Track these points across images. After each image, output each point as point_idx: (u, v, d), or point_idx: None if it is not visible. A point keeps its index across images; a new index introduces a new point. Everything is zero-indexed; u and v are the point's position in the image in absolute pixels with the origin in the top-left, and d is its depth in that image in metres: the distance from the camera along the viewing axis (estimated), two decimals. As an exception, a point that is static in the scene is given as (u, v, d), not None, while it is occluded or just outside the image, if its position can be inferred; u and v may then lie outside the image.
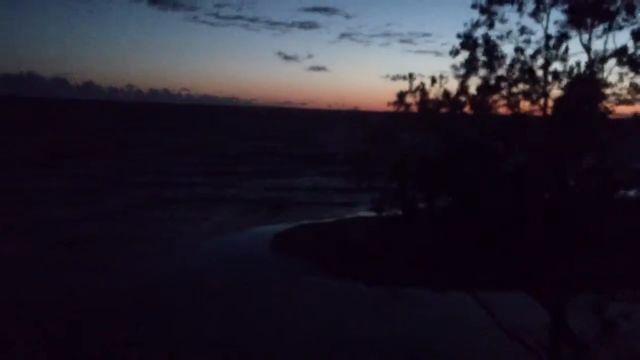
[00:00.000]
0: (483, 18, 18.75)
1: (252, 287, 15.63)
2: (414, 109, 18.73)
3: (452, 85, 18.41)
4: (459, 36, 18.85)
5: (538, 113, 18.49)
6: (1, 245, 19.33)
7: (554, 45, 16.69)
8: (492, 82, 17.56)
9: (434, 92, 18.40)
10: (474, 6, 17.96)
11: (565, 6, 17.24)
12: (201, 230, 22.32)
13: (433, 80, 18.30)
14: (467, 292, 15.36)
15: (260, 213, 25.84)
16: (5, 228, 21.37)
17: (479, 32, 18.53)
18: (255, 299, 14.87)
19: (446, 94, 17.55)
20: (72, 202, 26.51)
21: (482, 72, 18.12)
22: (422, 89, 18.23)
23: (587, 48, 15.44)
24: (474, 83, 18.95)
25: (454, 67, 18.75)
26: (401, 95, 18.35)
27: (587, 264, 13.92)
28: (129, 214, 24.93)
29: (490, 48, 16.79)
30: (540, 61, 18.26)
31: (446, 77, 18.16)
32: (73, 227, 21.82)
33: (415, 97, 18.41)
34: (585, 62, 16.06)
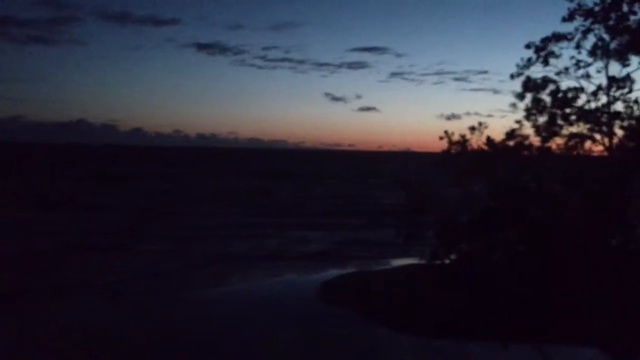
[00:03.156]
0: (537, 56, 18.21)
1: (300, 339, 14.94)
2: (465, 154, 18.16)
3: (506, 125, 17.67)
4: (512, 77, 18.40)
5: (601, 153, 17.49)
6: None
7: (617, 86, 15.92)
8: (554, 122, 16.84)
9: (478, 138, 17.81)
10: (527, 46, 17.48)
11: (625, 37, 16.36)
12: (242, 281, 21.87)
13: (472, 129, 17.71)
14: (529, 345, 14.29)
15: (306, 261, 25.34)
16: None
17: (533, 70, 18.01)
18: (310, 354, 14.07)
19: (490, 140, 16.90)
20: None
21: (545, 113, 17.40)
22: (464, 138, 17.62)
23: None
24: (527, 124, 18.29)
25: (518, 96, 18.14)
26: (451, 143, 17.83)
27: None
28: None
29: (563, 92, 16.08)
30: (603, 99, 17.43)
31: (485, 124, 17.60)
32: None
33: (470, 141, 17.90)
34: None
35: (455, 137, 18.47)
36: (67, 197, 50.99)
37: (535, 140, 17.89)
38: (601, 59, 17.70)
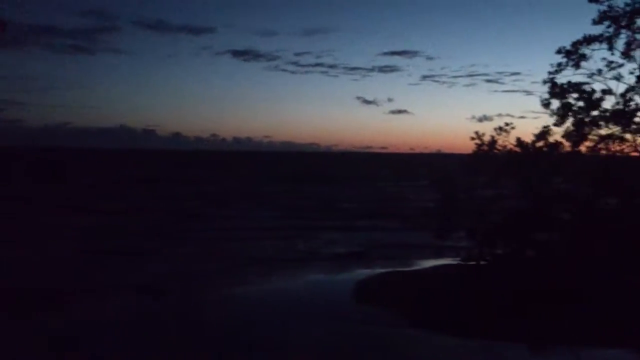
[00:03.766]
0: (567, 60, 18.24)
1: (333, 338, 15.23)
2: (495, 155, 18.34)
3: (539, 126, 17.71)
4: (543, 82, 18.47)
5: (632, 154, 17.46)
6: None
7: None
8: (584, 124, 16.90)
9: (506, 139, 17.95)
10: (558, 52, 17.53)
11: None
12: (275, 281, 22.29)
13: (501, 129, 17.90)
14: (565, 348, 14.28)
15: (339, 262, 25.65)
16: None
17: (564, 74, 18.05)
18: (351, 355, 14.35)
19: (520, 141, 17.07)
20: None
21: (573, 116, 17.47)
22: (493, 139, 17.82)
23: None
24: (556, 127, 18.31)
25: (545, 104, 18.23)
26: (482, 144, 18.06)
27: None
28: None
29: (588, 94, 16.14)
30: (637, 99, 17.38)
31: (511, 125, 17.71)
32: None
33: (499, 142, 18.07)
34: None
35: (486, 138, 18.64)
36: (104, 200, 52.46)
37: (565, 143, 17.90)
38: (635, 60, 17.63)
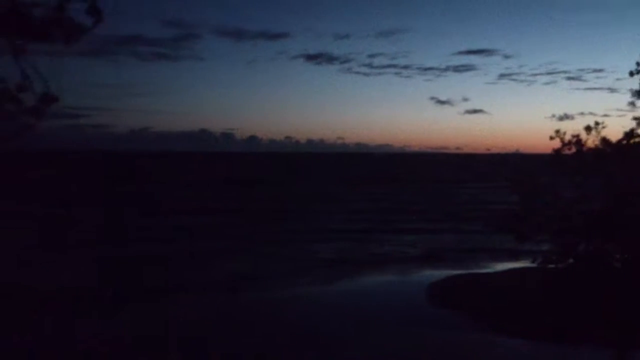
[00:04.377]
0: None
1: (408, 340, 15.08)
2: (580, 154, 17.51)
3: (624, 124, 16.85)
4: (631, 74, 17.47)
5: None
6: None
7: None
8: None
9: (594, 137, 17.10)
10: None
11: None
12: (348, 282, 22.33)
13: (588, 129, 17.04)
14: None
15: (412, 264, 25.36)
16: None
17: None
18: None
19: (607, 140, 16.16)
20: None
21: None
22: (579, 138, 17.00)
23: None
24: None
25: (632, 104, 17.32)
26: (564, 143, 17.27)
27: None
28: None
29: None
30: None
31: (602, 124, 16.85)
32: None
33: (585, 140, 17.27)
34: None
35: (568, 137, 17.83)
36: (182, 202, 54.49)
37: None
38: None
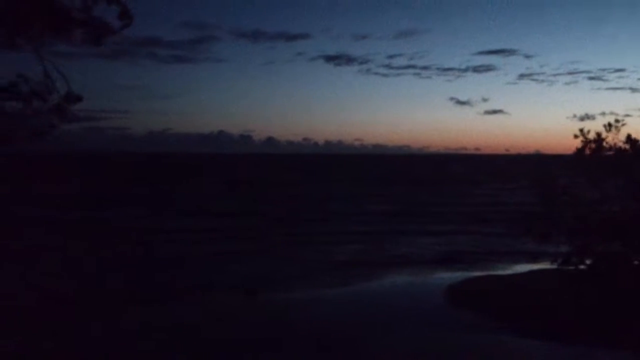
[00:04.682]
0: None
1: (427, 341, 14.99)
2: (602, 153, 17.25)
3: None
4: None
5: None
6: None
7: None
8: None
9: (615, 136, 16.81)
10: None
11: None
12: (365, 283, 22.24)
13: (610, 126, 16.72)
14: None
15: (430, 265, 25.23)
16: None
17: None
18: None
19: (631, 139, 15.85)
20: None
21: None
22: (600, 137, 16.71)
23: None
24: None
25: None
26: (586, 142, 16.99)
27: None
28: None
29: None
30: None
31: (622, 121, 16.57)
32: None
33: (606, 139, 17.02)
34: None
35: (591, 136, 17.56)
36: (200, 204, 54.85)
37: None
38: None
